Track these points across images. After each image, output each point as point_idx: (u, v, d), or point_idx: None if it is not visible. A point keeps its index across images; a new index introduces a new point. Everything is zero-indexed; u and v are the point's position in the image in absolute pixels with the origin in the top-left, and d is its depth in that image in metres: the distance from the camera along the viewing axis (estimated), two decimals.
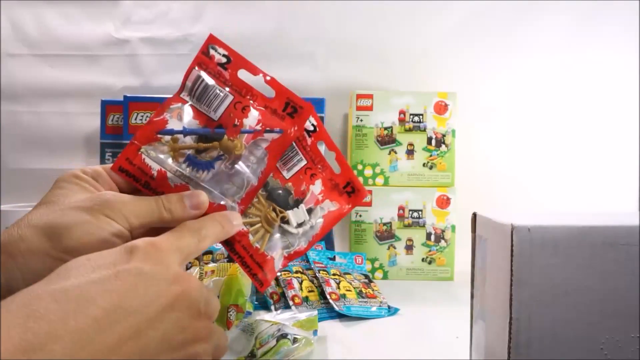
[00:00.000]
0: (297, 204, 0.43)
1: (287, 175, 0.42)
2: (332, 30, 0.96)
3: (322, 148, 0.45)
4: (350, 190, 0.45)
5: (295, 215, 0.42)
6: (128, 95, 0.82)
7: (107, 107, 0.88)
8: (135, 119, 0.81)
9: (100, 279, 0.27)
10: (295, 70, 0.96)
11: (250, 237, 0.40)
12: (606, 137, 0.97)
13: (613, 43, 0.95)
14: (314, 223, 0.43)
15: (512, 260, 0.32)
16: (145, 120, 0.81)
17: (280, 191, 0.42)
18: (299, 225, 0.43)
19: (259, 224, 0.41)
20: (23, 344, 0.23)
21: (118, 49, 0.97)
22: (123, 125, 0.82)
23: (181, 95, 0.40)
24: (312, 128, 0.43)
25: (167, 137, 0.38)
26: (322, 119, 0.81)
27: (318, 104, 0.83)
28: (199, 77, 0.39)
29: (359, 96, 0.84)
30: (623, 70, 0.96)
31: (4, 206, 0.80)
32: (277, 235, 0.42)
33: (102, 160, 0.88)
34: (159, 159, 0.38)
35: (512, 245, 0.32)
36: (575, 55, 0.96)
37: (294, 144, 0.42)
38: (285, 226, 0.42)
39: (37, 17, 0.97)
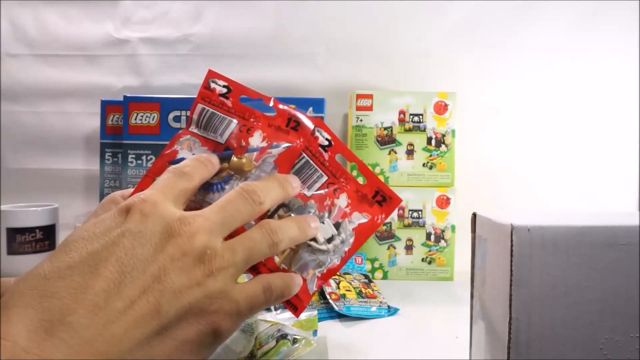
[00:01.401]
0: (321, 219, 0.41)
1: (308, 193, 0.41)
2: (332, 30, 0.96)
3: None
4: (380, 199, 0.43)
5: (321, 231, 0.40)
6: (128, 95, 0.82)
7: (107, 107, 0.88)
8: (135, 119, 0.81)
9: (97, 249, 0.28)
10: (295, 70, 0.96)
11: (276, 258, 0.39)
12: (606, 137, 0.97)
13: (613, 43, 0.95)
14: (344, 237, 0.41)
15: (512, 260, 0.32)
16: (145, 120, 0.81)
17: (302, 210, 0.40)
18: (328, 241, 0.41)
19: None
20: (44, 324, 0.24)
21: (118, 49, 0.97)
22: (123, 125, 0.82)
23: (189, 129, 0.41)
24: (326, 143, 0.42)
25: None
26: (322, 119, 0.81)
27: (318, 104, 0.83)
28: (203, 109, 0.41)
29: (358, 96, 0.84)
30: (623, 70, 0.96)
31: (4, 206, 0.80)
32: (306, 255, 0.40)
33: (102, 161, 0.88)
34: None
35: (512, 245, 0.32)
36: (575, 55, 0.96)
37: (311, 160, 0.42)
38: (313, 243, 0.40)
39: (37, 17, 0.97)
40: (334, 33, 0.96)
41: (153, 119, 0.81)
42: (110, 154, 0.88)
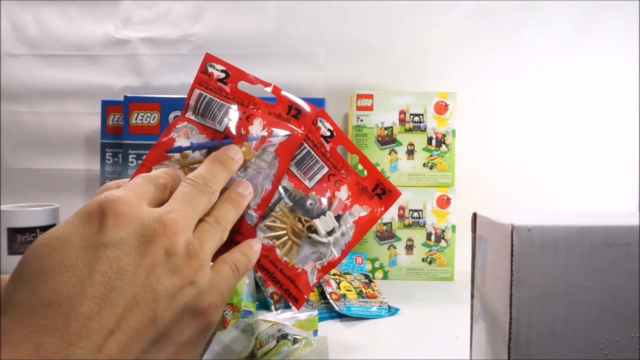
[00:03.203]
0: (322, 212, 0.41)
1: (309, 184, 0.41)
2: (332, 30, 0.96)
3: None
4: (380, 192, 0.43)
5: (322, 224, 0.40)
6: (128, 95, 0.82)
7: (108, 107, 0.88)
8: (136, 119, 0.81)
9: (80, 267, 0.25)
10: (295, 70, 0.96)
11: (278, 250, 0.39)
12: (606, 137, 0.97)
13: (613, 44, 0.95)
14: (345, 230, 0.41)
15: (512, 260, 0.32)
16: (146, 120, 0.81)
17: (304, 201, 0.40)
18: (329, 233, 0.41)
19: (286, 237, 0.40)
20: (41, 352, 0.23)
21: (118, 49, 0.97)
22: (123, 125, 0.82)
23: (186, 115, 0.40)
24: (328, 133, 0.42)
25: (177, 155, 0.38)
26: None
27: (318, 104, 0.83)
28: (200, 94, 0.40)
29: (359, 96, 0.84)
30: (623, 70, 0.96)
31: (4, 206, 0.80)
32: (307, 247, 0.40)
33: (102, 161, 0.88)
34: None
35: (512, 245, 0.32)
36: (575, 55, 0.96)
37: (312, 151, 0.41)
38: (314, 236, 0.40)
39: (37, 17, 0.97)
40: (334, 33, 0.96)
41: (153, 119, 0.81)
42: (110, 153, 0.88)
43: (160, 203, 0.32)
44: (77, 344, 0.23)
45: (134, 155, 0.82)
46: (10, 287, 0.25)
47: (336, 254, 0.41)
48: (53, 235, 0.27)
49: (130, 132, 0.82)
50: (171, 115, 0.81)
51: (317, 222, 0.40)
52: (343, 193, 0.42)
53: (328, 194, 0.42)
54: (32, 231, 0.76)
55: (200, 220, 0.32)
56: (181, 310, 0.28)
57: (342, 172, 0.42)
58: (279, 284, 0.39)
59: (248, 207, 0.38)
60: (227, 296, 0.32)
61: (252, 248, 0.36)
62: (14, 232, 0.76)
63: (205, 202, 0.33)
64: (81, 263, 0.26)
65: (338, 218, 0.41)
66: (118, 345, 0.25)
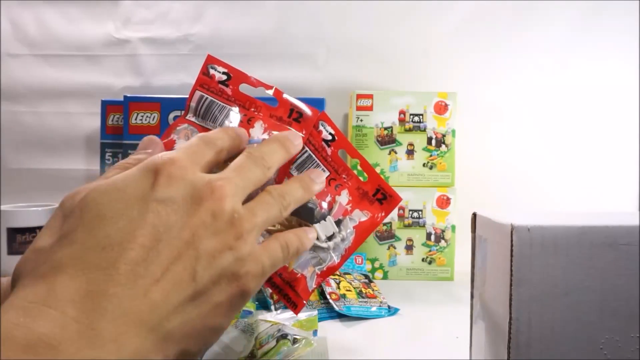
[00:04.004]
0: (323, 216, 0.40)
1: None
2: (332, 30, 0.96)
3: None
4: (381, 197, 0.43)
5: (322, 228, 0.40)
6: (128, 95, 0.82)
7: (108, 107, 0.88)
8: (136, 119, 0.81)
9: (132, 217, 0.27)
10: (295, 70, 0.96)
11: None
12: (606, 137, 0.97)
13: (613, 44, 0.95)
14: (345, 235, 0.41)
15: (512, 260, 0.32)
16: (146, 120, 0.81)
17: (304, 205, 0.39)
18: (329, 238, 0.40)
19: None
20: (89, 294, 0.25)
21: (118, 49, 0.97)
22: (123, 125, 0.82)
23: (187, 117, 0.40)
24: (330, 137, 0.41)
25: None
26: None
27: (318, 104, 0.83)
28: (202, 96, 0.40)
29: (359, 96, 0.84)
30: (623, 70, 0.96)
31: (4, 206, 0.80)
32: (306, 252, 0.40)
33: (102, 161, 0.88)
34: None
35: (512, 245, 0.32)
36: (575, 55, 0.96)
37: (314, 155, 0.41)
38: (314, 241, 0.40)
39: (37, 17, 0.97)
40: (334, 33, 0.96)
41: (153, 119, 0.81)
42: (110, 154, 0.88)
43: (216, 165, 0.34)
44: (125, 285, 0.25)
45: None
46: (66, 225, 0.28)
47: (336, 259, 0.41)
48: (113, 184, 0.29)
49: (130, 132, 0.82)
50: (171, 116, 0.81)
51: (317, 227, 0.40)
52: (344, 198, 0.42)
53: (328, 198, 0.41)
54: (32, 231, 0.76)
55: (265, 191, 0.34)
56: (219, 273, 0.29)
57: (343, 176, 0.42)
58: (278, 288, 0.39)
59: None
60: (270, 270, 0.32)
61: (308, 234, 0.37)
62: (14, 232, 0.76)
63: (258, 174, 0.34)
64: (135, 213, 0.28)
65: (338, 223, 0.41)
66: (161, 293, 0.26)
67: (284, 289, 0.39)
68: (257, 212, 0.32)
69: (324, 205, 0.41)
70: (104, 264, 0.26)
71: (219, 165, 0.34)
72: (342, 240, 0.41)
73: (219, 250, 0.29)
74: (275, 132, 0.40)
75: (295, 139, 0.38)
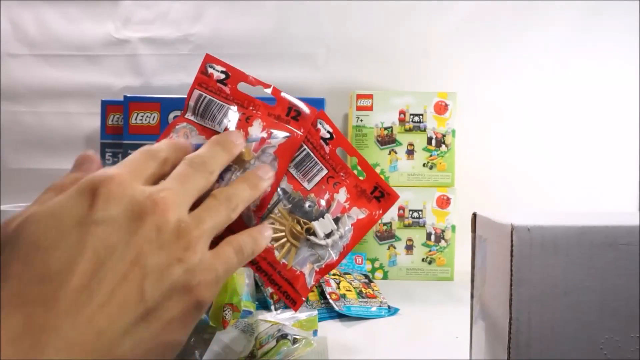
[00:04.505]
0: (322, 214, 0.41)
1: (308, 186, 0.41)
2: (332, 30, 0.96)
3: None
4: (379, 194, 0.43)
5: (321, 226, 0.40)
6: (128, 95, 0.82)
7: (108, 107, 0.88)
8: (136, 119, 0.81)
9: (71, 244, 0.26)
10: (295, 70, 0.96)
11: (276, 252, 0.39)
12: (606, 137, 0.97)
13: (613, 44, 0.95)
14: (343, 232, 0.41)
15: (512, 260, 0.32)
16: (146, 120, 0.81)
17: (302, 203, 0.40)
18: (327, 235, 0.41)
19: (285, 239, 0.39)
20: (28, 332, 0.24)
21: (118, 49, 0.97)
22: (123, 126, 0.82)
23: (185, 116, 0.40)
24: (328, 135, 0.42)
25: None
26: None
27: (318, 104, 0.83)
28: (200, 95, 0.40)
29: (359, 96, 0.84)
30: (623, 70, 0.96)
31: (4, 206, 0.80)
32: (305, 249, 0.40)
33: (103, 161, 0.88)
34: None
35: (512, 245, 0.32)
36: (575, 55, 0.96)
37: (312, 153, 0.41)
38: (312, 238, 0.40)
39: (37, 17, 0.97)
40: (334, 33, 0.96)
41: (153, 119, 0.81)
42: (110, 154, 0.88)
43: (161, 177, 0.32)
44: (67, 316, 0.24)
45: None
46: (2, 258, 0.26)
47: (334, 256, 0.41)
48: (48, 211, 0.27)
49: (130, 132, 0.82)
50: (171, 116, 0.81)
51: (316, 225, 0.40)
52: (342, 195, 0.42)
53: (327, 196, 0.41)
54: None
55: (211, 196, 0.33)
56: (169, 287, 0.28)
57: (341, 174, 0.42)
58: (277, 286, 0.39)
59: (247, 208, 0.38)
60: (224, 276, 0.32)
61: (263, 233, 0.36)
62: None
63: (201, 181, 0.33)
64: (73, 239, 0.26)
65: (336, 220, 0.41)
66: (107, 318, 0.25)
67: (283, 286, 0.39)
68: (204, 218, 0.31)
69: (322, 202, 0.41)
70: (43, 298, 0.24)
71: (164, 177, 0.32)
72: (340, 237, 0.41)
73: (167, 264, 0.28)
74: (275, 130, 0.40)
75: (236, 138, 0.37)
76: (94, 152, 0.36)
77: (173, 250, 0.28)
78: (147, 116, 0.81)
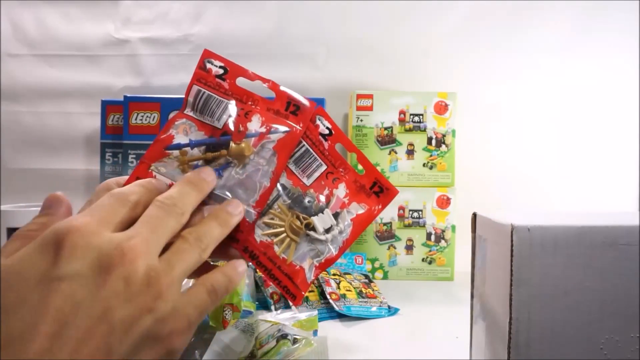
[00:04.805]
0: (321, 209, 0.41)
1: (307, 182, 0.41)
2: (332, 30, 0.96)
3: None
4: (378, 190, 0.43)
5: (320, 221, 0.41)
6: (128, 95, 0.82)
7: (107, 107, 0.88)
8: (136, 119, 0.81)
9: (33, 304, 0.25)
10: (295, 70, 0.96)
11: (276, 248, 0.39)
12: (606, 137, 0.97)
13: (613, 44, 0.95)
14: (342, 227, 0.41)
15: (512, 260, 0.32)
16: (146, 120, 0.81)
17: (302, 198, 0.40)
18: (327, 231, 0.41)
19: (284, 234, 0.40)
20: None
21: (118, 49, 0.97)
22: (123, 125, 0.82)
23: (185, 112, 0.40)
24: (327, 131, 0.42)
25: (176, 152, 0.38)
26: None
27: (318, 104, 0.83)
28: (199, 91, 0.40)
29: (359, 96, 0.84)
30: (623, 70, 0.96)
31: (4, 206, 0.80)
32: (305, 244, 0.40)
33: (102, 161, 0.88)
34: (169, 174, 0.37)
35: (512, 245, 0.32)
36: (575, 55, 0.96)
37: (311, 149, 0.41)
38: (312, 233, 0.40)
39: (37, 17, 0.97)
40: (334, 33, 0.96)
41: (153, 119, 0.81)
42: (110, 154, 0.88)
43: (132, 221, 0.31)
44: None
45: (134, 156, 0.82)
46: None
47: (334, 251, 0.41)
48: (10, 268, 0.26)
49: (130, 132, 0.82)
50: (171, 115, 0.81)
51: (315, 220, 0.40)
52: (341, 191, 0.42)
53: (326, 191, 0.42)
54: None
55: (180, 238, 0.32)
56: (138, 339, 0.27)
57: (340, 170, 0.43)
58: (277, 280, 0.39)
59: (246, 204, 0.38)
60: (197, 321, 0.31)
61: (236, 269, 0.35)
62: (14, 232, 0.76)
63: (172, 223, 0.32)
64: (35, 298, 0.25)
65: (336, 216, 0.42)
66: None
67: (283, 281, 0.39)
68: (175, 263, 0.30)
69: (322, 198, 0.41)
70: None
71: (136, 220, 0.31)
72: (340, 232, 0.41)
73: (136, 316, 0.27)
74: (274, 125, 0.40)
75: (207, 175, 0.36)
76: (62, 194, 0.34)
77: (142, 301, 0.27)
78: (147, 116, 0.81)
